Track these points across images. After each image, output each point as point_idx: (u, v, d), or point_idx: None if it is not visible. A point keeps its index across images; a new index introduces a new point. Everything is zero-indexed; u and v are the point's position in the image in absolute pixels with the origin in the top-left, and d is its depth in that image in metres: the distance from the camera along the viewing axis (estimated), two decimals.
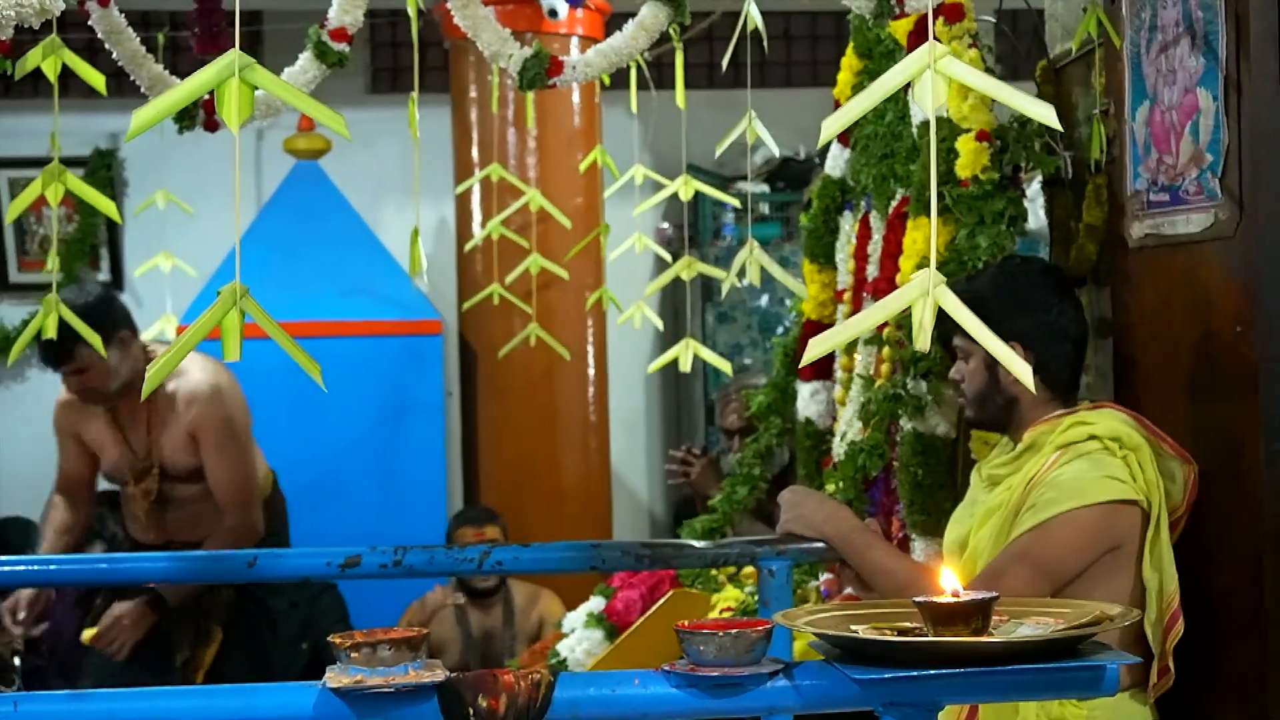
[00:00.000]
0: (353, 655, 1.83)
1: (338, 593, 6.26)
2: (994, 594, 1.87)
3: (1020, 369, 1.53)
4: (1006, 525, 2.80)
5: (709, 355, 4.04)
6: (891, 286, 3.63)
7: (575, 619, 4.20)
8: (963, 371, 2.97)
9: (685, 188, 3.90)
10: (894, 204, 3.74)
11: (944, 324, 1.56)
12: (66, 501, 4.83)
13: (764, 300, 7.38)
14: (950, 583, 1.88)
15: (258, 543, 4.50)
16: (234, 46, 1.69)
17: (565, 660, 4.01)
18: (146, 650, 4.50)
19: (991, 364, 2.89)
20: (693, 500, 5.26)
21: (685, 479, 4.86)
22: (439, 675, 1.83)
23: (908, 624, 1.95)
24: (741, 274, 3.78)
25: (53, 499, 4.91)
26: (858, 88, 4.04)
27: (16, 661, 5.38)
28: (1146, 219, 3.08)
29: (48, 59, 2.89)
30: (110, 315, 4.43)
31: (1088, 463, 2.76)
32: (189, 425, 4.52)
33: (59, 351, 4.34)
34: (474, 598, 5.83)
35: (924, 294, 1.51)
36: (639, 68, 3.94)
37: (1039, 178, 3.47)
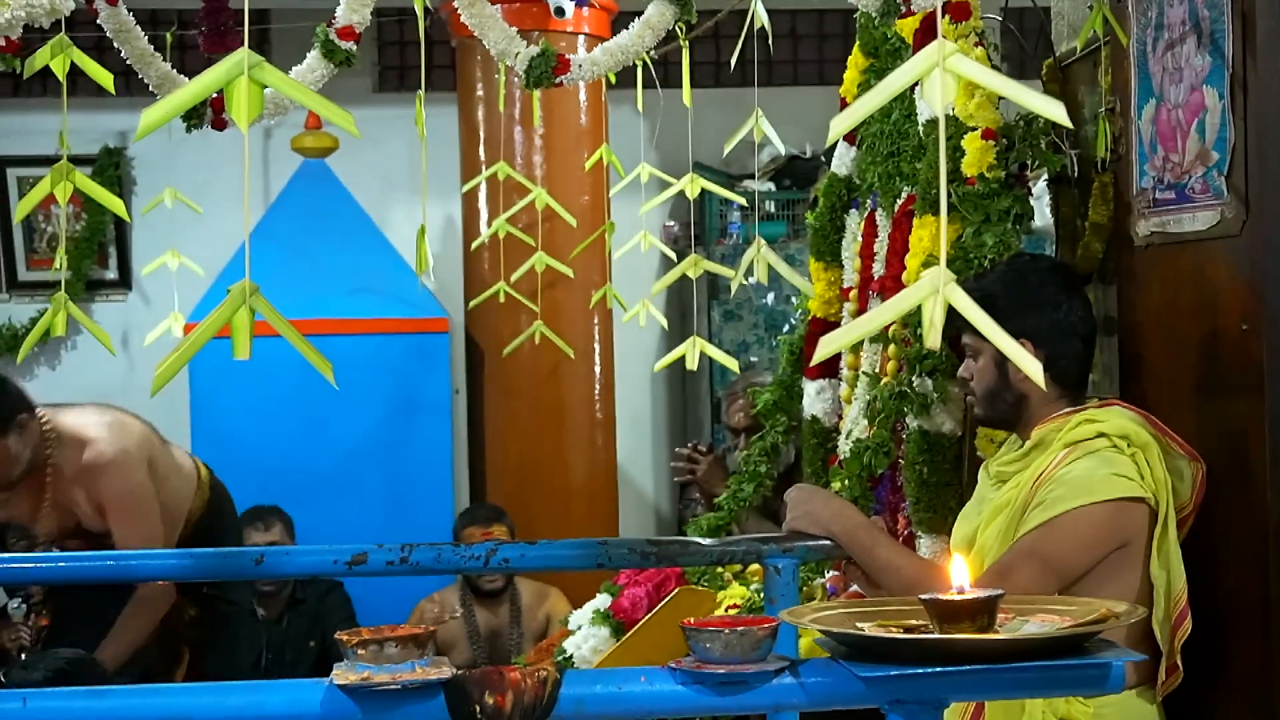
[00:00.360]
0: (360, 652, 1.83)
1: (344, 591, 6.28)
2: (1000, 591, 1.88)
3: (1031, 366, 1.53)
4: (1014, 522, 2.80)
5: (715, 353, 4.05)
6: (898, 284, 3.63)
7: (581, 616, 4.20)
8: (971, 369, 2.97)
9: (691, 186, 3.91)
10: (900, 202, 3.74)
11: (953, 322, 1.56)
12: None
13: (770, 298, 7.38)
14: (959, 578, 1.88)
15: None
16: (242, 45, 1.70)
17: (572, 657, 4.01)
18: (124, 676, 4.49)
19: (1001, 361, 2.89)
20: (686, 488, 5.23)
21: (691, 476, 4.86)
22: (445, 672, 1.83)
23: (914, 621, 1.95)
24: (748, 272, 3.79)
25: None
26: (864, 86, 4.04)
27: (24, 657, 5.40)
28: (1152, 217, 3.08)
29: (56, 58, 2.90)
30: (7, 402, 4.36)
31: (1096, 460, 2.76)
32: (95, 496, 4.49)
33: None
34: (481, 597, 5.84)
35: (934, 292, 1.51)
36: (645, 66, 3.95)
37: (1045, 176, 3.47)
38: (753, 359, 7.30)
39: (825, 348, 1.64)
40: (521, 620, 5.88)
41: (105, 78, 2.92)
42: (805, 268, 4.36)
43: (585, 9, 6.23)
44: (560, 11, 6.18)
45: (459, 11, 3.54)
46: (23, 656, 5.37)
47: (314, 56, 3.60)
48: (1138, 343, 3.21)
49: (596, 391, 6.75)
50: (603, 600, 4.14)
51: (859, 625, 1.94)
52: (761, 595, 3.30)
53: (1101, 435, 2.79)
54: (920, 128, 3.62)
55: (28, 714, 1.80)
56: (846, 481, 3.52)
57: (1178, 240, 3.00)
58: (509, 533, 5.77)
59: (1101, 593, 2.56)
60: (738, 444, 4.88)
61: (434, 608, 5.95)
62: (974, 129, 3.31)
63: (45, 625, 5.58)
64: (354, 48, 3.62)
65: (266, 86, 1.69)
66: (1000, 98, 3.05)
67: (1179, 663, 2.77)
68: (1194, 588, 2.78)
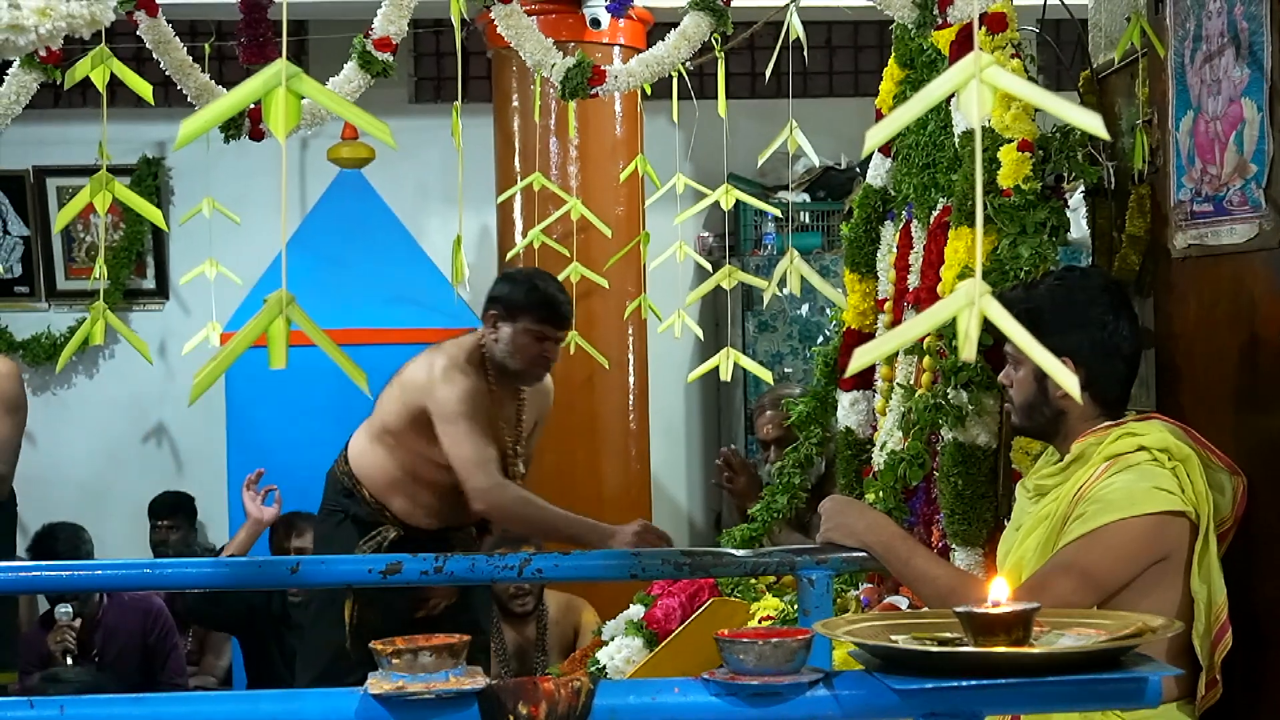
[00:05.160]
0: (394, 661, 1.84)
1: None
2: (1035, 604, 1.87)
3: (1068, 382, 1.52)
4: (1053, 535, 2.79)
5: (749, 364, 4.05)
6: (933, 296, 3.62)
7: (615, 627, 4.20)
8: (1011, 377, 2.95)
9: (726, 197, 3.91)
10: (935, 213, 3.74)
11: (991, 329, 1.56)
12: None
13: (805, 309, 7.37)
14: (998, 593, 1.87)
15: None
16: (280, 56, 1.71)
17: (605, 668, 4.01)
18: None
19: (1041, 375, 2.87)
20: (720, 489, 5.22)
21: (729, 485, 4.86)
22: (480, 682, 1.84)
23: (948, 634, 1.95)
24: (782, 283, 3.79)
25: None
26: (900, 97, 4.04)
27: (69, 661, 5.44)
28: (1190, 229, 3.07)
29: (96, 68, 2.92)
30: None
31: (1136, 474, 2.74)
32: None
33: None
34: (509, 616, 5.81)
35: (969, 304, 1.50)
36: (681, 77, 3.95)
37: (1081, 187, 3.46)
38: (787, 370, 7.29)
39: (860, 359, 1.64)
40: (549, 635, 5.87)
41: (144, 88, 2.95)
42: (840, 279, 4.35)
43: (621, 20, 6.23)
44: (596, 22, 6.19)
45: (495, 23, 3.55)
46: (69, 660, 5.41)
47: (351, 67, 3.62)
48: (1175, 355, 3.20)
49: (631, 402, 6.75)
50: (636, 611, 4.14)
51: (893, 637, 1.94)
52: (795, 606, 3.29)
53: (1142, 449, 2.77)
54: (956, 139, 3.62)
55: None
56: (881, 493, 3.51)
57: (1215, 252, 2.98)
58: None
59: (1141, 607, 2.55)
60: (768, 456, 4.87)
61: None
62: (1010, 140, 3.31)
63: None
64: (391, 59, 3.64)
65: (304, 97, 1.70)
66: (1037, 109, 3.04)
67: (1218, 677, 2.75)
68: (1234, 602, 2.76)
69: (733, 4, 3.51)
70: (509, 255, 6.55)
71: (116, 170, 5.76)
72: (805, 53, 3.61)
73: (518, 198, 6.48)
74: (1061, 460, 2.90)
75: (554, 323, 4.39)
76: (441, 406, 4.32)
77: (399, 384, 4.52)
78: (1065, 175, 3.35)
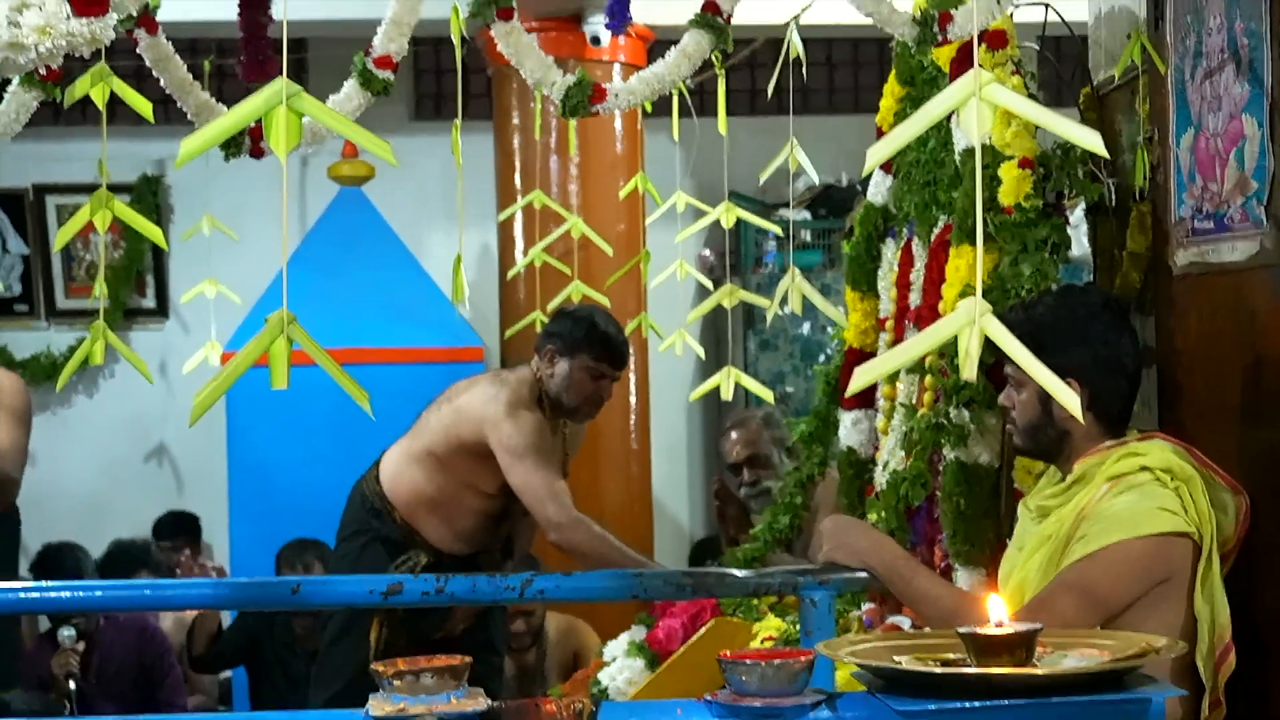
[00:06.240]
0: (395, 683, 1.83)
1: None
2: (1038, 625, 1.86)
3: (1069, 400, 1.52)
4: (1056, 556, 2.78)
5: (750, 383, 4.04)
6: (934, 314, 3.62)
7: (616, 647, 4.19)
8: (1013, 399, 2.94)
9: (727, 214, 3.90)
10: (937, 231, 3.73)
11: (993, 351, 1.55)
12: None
13: (806, 328, 7.37)
14: (998, 613, 1.87)
15: None
16: (280, 74, 1.71)
17: (607, 689, 4.00)
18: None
19: (1045, 396, 2.86)
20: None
21: (720, 517, 4.89)
22: (482, 704, 1.83)
23: (951, 655, 1.94)
24: (784, 301, 3.78)
25: None
26: (900, 114, 4.03)
27: (71, 685, 5.42)
28: (1191, 246, 3.06)
29: (96, 86, 2.92)
30: None
31: (1139, 494, 2.73)
32: None
33: None
34: (509, 650, 5.76)
35: (970, 322, 1.50)
36: (681, 94, 3.95)
37: (1082, 205, 3.46)
38: (788, 389, 7.29)
39: (861, 378, 1.64)
40: (547, 659, 5.84)
41: (144, 106, 2.94)
42: (841, 297, 4.35)
43: (621, 38, 6.24)
44: (596, 40, 6.20)
45: (496, 40, 3.55)
46: (71, 684, 5.40)
47: (351, 85, 3.61)
48: (1176, 372, 3.19)
49: (632, 420, 6.74)
50: (638, 631, 4.13)
51: (896, 658, 1.93)
52: (797, 627, 3.28)
53: (1144, 469, 2.76)
54: (957, 156, 3.62)
55: None
56: (883, 513, 3.50)
57: (1217, 270, 2.98)
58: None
59: (1144, 628, 2.53)
60: (741, 480, 4.88)
61: None
62: (1011, 158, 3.30)
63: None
64: (391, 76, 3.63)
65: (305, 115, 1.70)
66: (1037, 126, 3.04)
67: (1222, 698, 2.74)
68: (1235, 615, 2.75)
69: (733, 21, 3.50)
70: (510, 273, 6.54)
71: (116, 188, 5.75)
72: (805, 70, 3.60)
73: (518, 215, 6.48)
74: (1064, 480, 2.89)
75: (611, 361, 4.42)
76: (508, 440, 4.31)
77: (452, 410, 4.48)
78: (1066, 192, 3.34)
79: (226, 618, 6.08)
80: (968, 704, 1.79)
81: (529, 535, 4.73)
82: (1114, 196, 3.34)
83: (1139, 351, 2.97)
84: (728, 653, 1.91)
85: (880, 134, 4.13)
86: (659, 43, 5.96)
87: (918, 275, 3.84)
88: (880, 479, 3.85)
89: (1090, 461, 2.84)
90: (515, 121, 6.66)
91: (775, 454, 4.86)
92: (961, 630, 1.86)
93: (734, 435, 4.92)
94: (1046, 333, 2.82)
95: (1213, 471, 2.81)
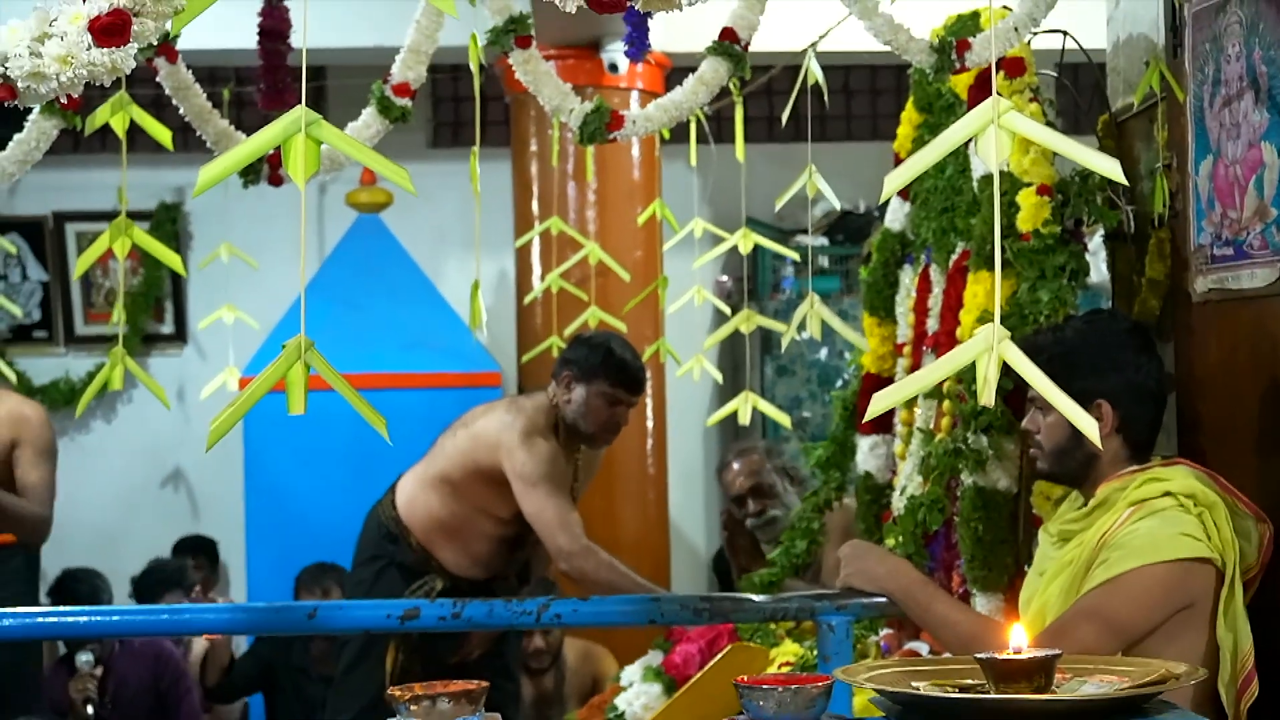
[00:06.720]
0: (412, 708, 1.83)
1: None
2: (1057, 651, 1.86)
3: (1087, 425, 1.52)
4: (1077, 581, 2.76)
5: (768, 408, 4.04)
6: (952, 340, 3.62)
7: (633, 673, 4.19)
8: (1038, 423, 2.92)
9: (744, 241, 3.90)
10: (954, 257, 3.73)
11: (1014, 376, 1.55)
12: None
13: (823, 353, 7.36)
14: (1018, 640, 1.86)
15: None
16: (299, 102, 1.71)
17: (623, 714, 4.00)
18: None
19: None
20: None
21: (730, 546, 4.90)
22: None
23: (969, 680, 1.93)
24: (801, 327, 3.78)
25: None
26: (918, 141, 4.04)
27: (89, 710, 5.43)
28: (1210, 273, 3.06)
29: (116, 114, 2.94)
30: None
31: (1161, 520, 2.72)
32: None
33: None
34: (527, 671, 5.77)
35: (989, 348, 1.50)
36: (699, 121, 3.96)
37: (1100, 232, 3.46)
38: (805, 414, 7.28)
39: (879, 404, 1.64)
40: (567, 684, 5.83)
41: (164, 134, 2.96)
42: (859, 323, 4.35)
43: (639, 65, 6.25)
44: (614, 67, 6.21)
45: (513, 68, 3.57)
46: (89, 709, 5.40)
47: (370, 113, 3.63)
48: (1195, 399, 3.18)
49: (649, 445, 6.74)
50: (654, 656, 4.13)
51: (914, 684, 1.92)
52: (815, 652, 3.28)
53: (1168, 494, 2.75)
54: (975, 183, 3.62)
55: None
56: (900, 538, 3.49)
57: (1236, 296, 2.97)
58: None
59: (1165, 654, 2.52)
60: (747, 510, 4.89)
61: None
62: (1029, 185, 3.30)
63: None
64: (409, 104, 3.65)
65: (323, 143, 1.70)
66: (1055, 154, 3.04)
67: None
68: (1259, 649, 2.74)
69: (750, 49, 3.51)
70: (527, 299, 6.55)
71: (135, 215, 5.78)
72: (824, 97, 3.61)
73: (535, 242, 6.48)
74: (1085, 505, 2.88)
75: (628, 388, 4.41)
76: (522, 468, 4.31)
77: (468, 436, 4.48)
78: (1084, 219, 3.34)
79: (240, 645, 6.09)
80: None
81: (545, 560, 4.74)
82: (1132, 223, 3.34)
83: (1164, 377, 2.96)
84: (745, 678, 1.90)
85: (898, 160, 4.13)
86: (677, 70, 5.97)
87: (935, 301, 3.84)
88: (898, 504, 3.85)
89: (1113, 486, 2.83)
90: (533, 149, 6.68)
91: (779, 483, 4.86)
92: (980, 656, 1.85)
93: (735, 466, 4.93)
94: (1078, 356, 2.81)
95: (1235, 498, 2.80)
